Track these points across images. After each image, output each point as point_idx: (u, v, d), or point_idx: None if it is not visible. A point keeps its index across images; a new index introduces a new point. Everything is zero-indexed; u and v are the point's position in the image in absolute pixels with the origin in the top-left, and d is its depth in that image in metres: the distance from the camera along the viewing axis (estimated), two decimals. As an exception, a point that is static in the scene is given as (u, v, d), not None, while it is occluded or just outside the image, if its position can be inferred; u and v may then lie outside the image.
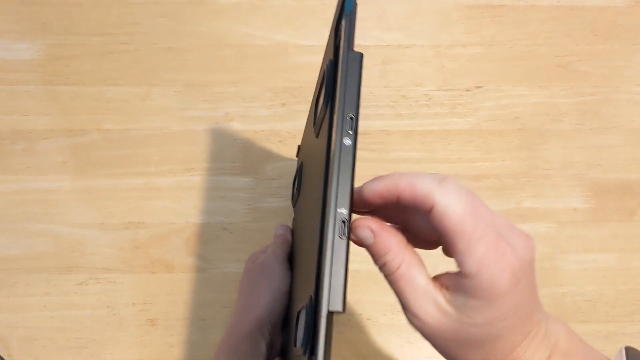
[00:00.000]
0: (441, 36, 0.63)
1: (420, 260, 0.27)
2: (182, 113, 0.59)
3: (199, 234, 0.56)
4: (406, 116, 0.60)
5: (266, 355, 0.40)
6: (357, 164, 0.26)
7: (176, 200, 0.56)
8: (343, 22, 0.28)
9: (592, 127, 0.60)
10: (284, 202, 0.57)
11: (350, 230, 0.26)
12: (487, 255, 0.24)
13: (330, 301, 0.25)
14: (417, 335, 0.55)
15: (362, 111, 0.59)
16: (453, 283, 0.25)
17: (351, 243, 0.27)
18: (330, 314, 0.25)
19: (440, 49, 0.62)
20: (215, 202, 0.56)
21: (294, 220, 0.51)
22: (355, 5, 0.28)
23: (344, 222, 0.26)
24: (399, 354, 0.53)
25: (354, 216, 0.29)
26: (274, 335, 0.41)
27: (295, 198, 0.50)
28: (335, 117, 0.27)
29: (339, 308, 0.25)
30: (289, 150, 0.58)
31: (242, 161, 0.58)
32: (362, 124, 0.55)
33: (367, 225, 0.27)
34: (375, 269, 0.27)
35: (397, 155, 0.58)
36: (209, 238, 0.55)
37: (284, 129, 0.59)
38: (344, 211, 0.26)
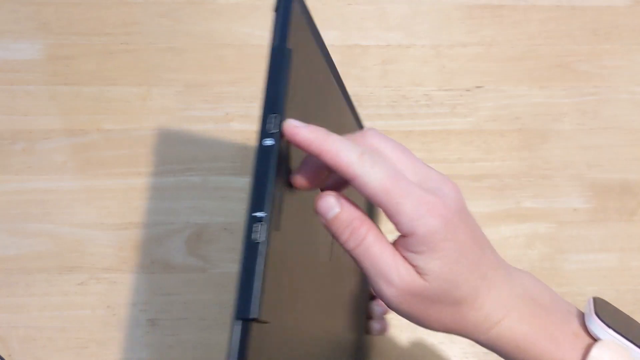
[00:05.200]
0: (441, 36, 0.63)
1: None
2: (182, 113, 0.59)
3: (198, 234, 0.56)
4: (406, 116, 0.60)
5: None
6: None
7: (176, 200, 0.56)
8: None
9: (592, 127, 0.60)
10: (284, 202, 0.57)
11: (269, 231, 0.25)
12: (416, 212, 0.25)
13: (239, 307, 0.24)
14: (418, 335, 0.55)
15: (362, 111, 0.60)
16: (401, 245, 0.26)
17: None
18: (246, 321, 0.24)
19: (440, 49, 0.62)
20: (215, 202, 0.56)
21: None
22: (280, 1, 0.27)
23: (260, 223, 0.25)
24: (400, 353, 0.53)
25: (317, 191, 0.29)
26: None
27: None
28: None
29: (254, 314, 0.24)
30: (289, 150, 0.58)
31: (242, 161, 0.58)
32: (364, 124, 0.55)
33: (333, 195, 0.27)
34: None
35: (397, 155, 0.58)
36: (209, 238, 0.55)
37: (284, 129, 0.59)
38: (259, 214, 0.25)
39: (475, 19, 0.63)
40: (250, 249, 0.25)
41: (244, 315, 0.24)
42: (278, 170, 0.26)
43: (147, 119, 0.59)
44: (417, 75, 0.61)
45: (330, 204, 0.27)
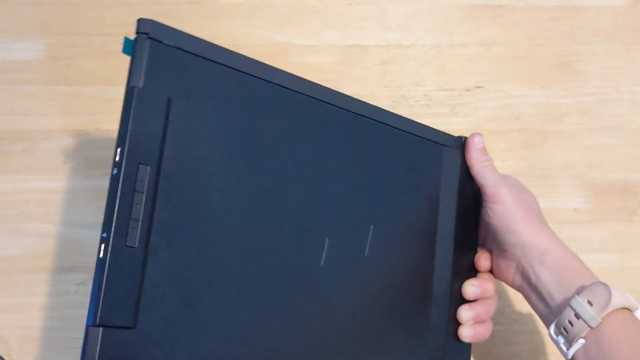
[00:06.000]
0: (441, 36, 0.63)
1: None
2: (182, 113, 0.59)
3: (199, 234, 0.55)
4: (406, 116, 0.60)
5: None
6: None
7: (176, 200, 0.56)
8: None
9: (592, 127, 0.60)
10: (284, 202, 0.57)
11: (114, 249, 0.29)
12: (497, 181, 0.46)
13: (88, 315, 0.29)
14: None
15: (362, 111, 0.60)
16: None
17: None
18: (95, 327, 0.29)
19: (440, 49, 0.62)
20: (215, 202, 0.56)
21: None
22: (131, 44, 0.32)
23: (104, 243, 0.29)
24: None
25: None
26: None
27: None
28: None
29: (95, 322, 0.28)
30: (289, 150, 0.58)
31: (242, 161, 0.58)
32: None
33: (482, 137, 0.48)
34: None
35: (397, 155, 0.58)
36: (209, 238, 0.55)
37: (284, 129, 0.59)
38: (104, 235, 0.29)
39: (475, 19, 0.63)
40: (97, 265, 0.29)
41: (92, 322, 0.28)
42: (126, 193, 0.29)
43: (147, 119, 0.59)
44: (417, 75, 0.61)
45: (482, 140, 0.47)
